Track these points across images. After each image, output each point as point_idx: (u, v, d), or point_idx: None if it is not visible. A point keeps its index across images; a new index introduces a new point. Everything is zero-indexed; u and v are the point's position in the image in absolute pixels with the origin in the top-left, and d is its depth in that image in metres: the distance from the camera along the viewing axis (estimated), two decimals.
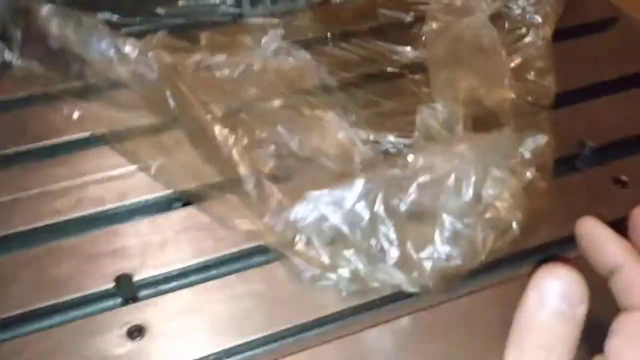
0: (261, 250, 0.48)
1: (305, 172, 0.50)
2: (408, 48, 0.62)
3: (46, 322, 0.44)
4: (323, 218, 0.42)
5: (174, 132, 0.55)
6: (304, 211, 0.42)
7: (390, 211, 0.40)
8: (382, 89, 0.60)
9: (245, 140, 0.52)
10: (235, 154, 0.51)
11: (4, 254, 0.47)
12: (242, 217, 0.49)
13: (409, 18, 0.65)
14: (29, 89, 0.57)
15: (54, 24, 0.56)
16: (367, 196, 0.40)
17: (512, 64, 0.59)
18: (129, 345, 0.41)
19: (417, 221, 0.41)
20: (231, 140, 0.51)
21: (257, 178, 0.49)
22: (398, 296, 0.44)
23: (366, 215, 0.41)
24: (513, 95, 0.56)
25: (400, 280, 0.42)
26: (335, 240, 0.44)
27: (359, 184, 0.40)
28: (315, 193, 0.41)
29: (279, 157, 0.52)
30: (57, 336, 0.42)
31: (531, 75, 0.59)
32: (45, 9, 0.56)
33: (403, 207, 0.40)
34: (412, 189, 0.40)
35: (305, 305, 0.45)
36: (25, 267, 0.45)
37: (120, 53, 0.54)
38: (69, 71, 0.56)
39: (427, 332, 0.43)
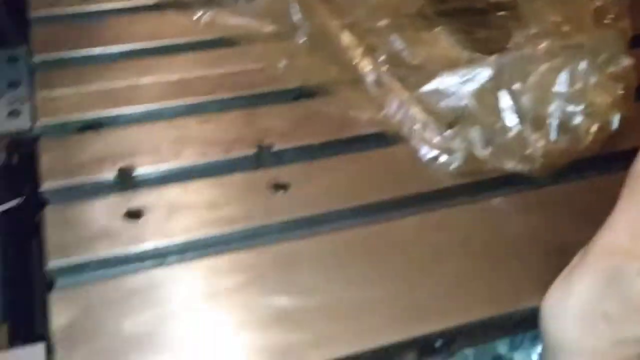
0: (380, 136, 0.55)
1: (418, 76, 0.57)
2: None
3: None
4: (447, 98, 0.49)
5: (294, 40, 0.62)
6: (428, 93, 0.49)
7: (511, 94, 0.47)
8: (474, 21, 0.67)
9: (363, 46, 0.59)
10: (357, 55, 0.58)
11: None
12: (363, 108, 0.56)
13: None
14: None
15: None
16: (493, 78, 0.47)
17: (592, 7, 0.66)
18: None
19: (532, 105, 0.48)
20: (353, 44, 0.58)
21: (378, 75, 0.56)
22: (508, 177, 0.51)
23: (489, 95, 0.48)
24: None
25: (513, 160, 0.49)
26: (454, 123, 0.51)
27: (488, 64, 0.47)
28: (442, 74, 0.48)
29: (392, 64, 0.59)
30: None
31: (608, 19, 0.66)
32: None
33: (523, 91, 0.47)
34: (534, 74, 0.47)
35: (420, 180, 0.52)
36: None
37: None
38: None
39: (529, 209, 0.50)
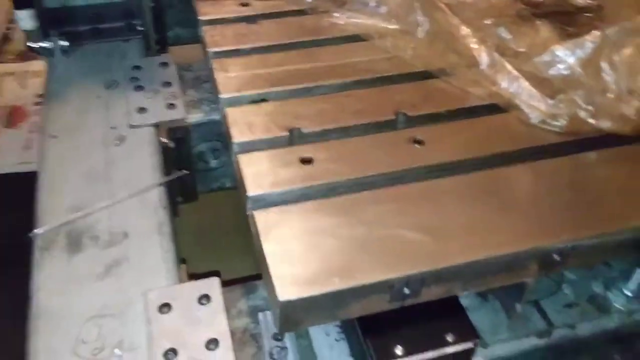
0: (494, 106, 0.68)
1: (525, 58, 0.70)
2: None
3: None
4: (556, 66, 0.61)
5: (416, 35, 0.76)
6: (539, 63, 0.62)
7: (611, 62, 0.60)
8: (564, 20, 0.79)
9: (477, 37, 0.72)
10: (473, 43, 0.71)
11: None
12: (479, 85, 0.69)
13: None
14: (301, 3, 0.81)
15: None
16: (597, 48, 0.60)
17: None
18: None
19: (629, 72, 0.60)
20: (469, 35, 0.72)
21: (491, 58, 0.69)
22: (606, 136, 0.63)
23: (592, 63, 0.60)
24: None
25: (610, 120, 0.61)
26: (560, 90, 0.63)
27: (593, 36, 0.59)
28: (556, 45, 0.61)
29: (501, 50, 0.72)
30: None
31: None
32: None
33: (621, 60, 0.59)
34: (632, 45, 0.59)
35: (529, 138, 0.64)
36: None
37: None
38: None
39: (621, 162, 0.62)
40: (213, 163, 0.85)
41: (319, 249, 0.53)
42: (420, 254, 0.53)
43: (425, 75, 0.72)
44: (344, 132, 0.65)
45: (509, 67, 0.68)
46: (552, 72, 0.63)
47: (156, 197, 0.68)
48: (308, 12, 0.81)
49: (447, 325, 0.55)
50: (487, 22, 0.77)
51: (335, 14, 0.79)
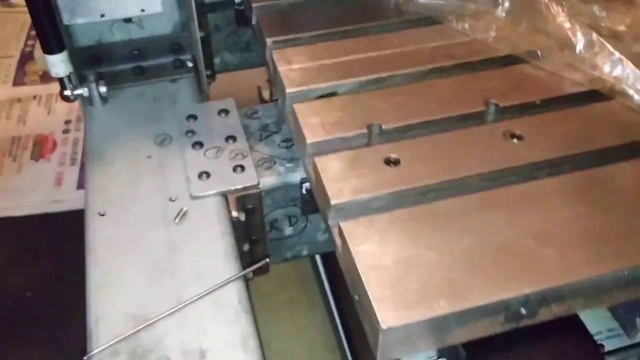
0: (595, 92, 0.60)
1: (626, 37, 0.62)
2: None
3: None
4: None
5: (497, 14, 0.68)
6: None
7: None
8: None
9: (569, 15, 0.64)
10: (564, 22, 0.63)
11: None
12: (575, 69, 0.62)
13: None
14: None
15: None
16: None
17: None
18: None
19: None
20: (559, 12, 0.64)
21: (588, 39, 0.61)
22: None
23: None
24: None
25: None
26: None
27: None
28: None
29: (597, 29, 0.64)
30: None
31: None
32: None
33: None
34: None
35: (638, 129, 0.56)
36: None
37: None
38: None
39: None
40: (288, 231, 0.71)
41: (421, 266, 0.46)
42: (540, 268, 0.45)
43: (512, 60, 0.64)
44: (429, 127, 0.58)
45: (610, 48, 0.60)
46: None
47: (235, 295, 0.55)
48: None
49: (567, 345, 0.48)
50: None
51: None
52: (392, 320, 0.43)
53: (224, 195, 0.63)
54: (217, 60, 0.85)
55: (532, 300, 0.45)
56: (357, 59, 0.65)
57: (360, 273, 0.45)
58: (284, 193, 0.66)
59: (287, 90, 0.61)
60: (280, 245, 0.71)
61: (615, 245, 0.47)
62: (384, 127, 0.57)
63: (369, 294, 0.44)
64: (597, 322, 0.61)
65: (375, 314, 0.43)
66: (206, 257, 0.57)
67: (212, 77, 0.83)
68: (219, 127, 0.69)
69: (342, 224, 0.49)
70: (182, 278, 0.55)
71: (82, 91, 0.72)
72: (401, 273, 0.46)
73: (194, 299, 0.53)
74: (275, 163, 0.66)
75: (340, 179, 0.52)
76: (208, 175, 0.64)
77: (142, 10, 0.68)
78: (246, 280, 0.60)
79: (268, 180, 0.65)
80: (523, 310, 0.46)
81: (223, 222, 0.60)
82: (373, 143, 0.57)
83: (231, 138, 0.68)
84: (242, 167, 0.65)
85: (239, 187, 0.63)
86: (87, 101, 0.73)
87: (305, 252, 0.72)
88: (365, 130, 0.57)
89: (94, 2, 0.67)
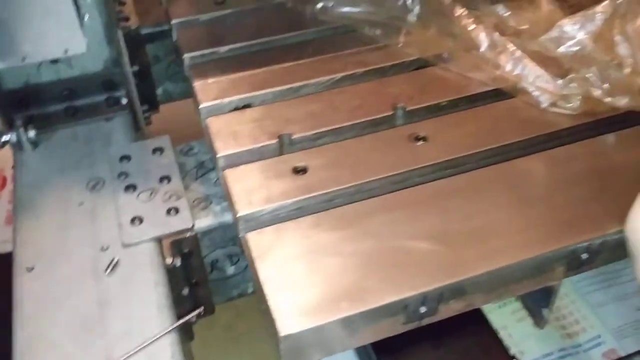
0: (498, 91, 0.62)
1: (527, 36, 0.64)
2: None
3: None
4: (565, 43, 0.56)
5: (407, 20, 0.69)
6: (547, 41, 0.56)
7: (625, 33, 0.54)
8: None
9: (473, 17, 0.66)
10: (469, 24, 0.65)
11: None
12: (480, 70, 0.64)
13: None
14: None
15: None
16: (608, 19, 0.54)
17: None
18: None
19: None
20: (464, 15, 0.66)
21: (491, 39, 0.63)
22: (623, 115, 0.57)
23: (604, 36, 0.54)
24: None
25: (627, 97, 0.55)
26: (571, 68, 0.58)
27: (603, 7, 0.54)
28: (564, 20, 0.55)
29: (501, 29, 0.66)
30: None
31: None
32: None
33: (636, 30, 0.54)
34: None
35: (540, 124, 0.58)
36: None
37: None
38: None
39: None
40: (230, 270, 0.67)
41: (322, 270, 0.48)
42: (436, 266, 0.47)
43: (421, 64, 0.66)
44: (339, 134, 0.59)
45: (511, 47, 0.62)
46: (561, 49, 0.57)
47: (167, 350, 0.51)
48: (288, 4, 0.74)
49: (472, 343, 0.50)
50: None
51: (319, 4, 0.73)
52: (291, 328, 0.44)
53: (159, 240, 0.60)
54: (159, 91, 0.83)
55: (430, 298, 0.47)
56: (272, 70, 0.66)
57: (262, 283, 0.46)
58: (222, 233, 0.63)
59: (201, 105, 0.62)
60: (224, 285, 0.68)
61: (508, 239, 0.49)
62: (294, 136, 0.58)
63: (269, 302, 0.45)
64: None
65: (274, 322, 0.44)
66: (138, 310, 0.54)
67: (154, 109, 0.82)
68: (153, 167, 0.65)
69: (247, 235, 0.50)
70: (113, 335, 0.52)
71: (9, 137, 0.68)
72: (303, 280, 0.47)
73: (123, 358, 0.50)
74: (211, 202, 0.63)
75: (248, 190, 0.53)
76: (141, 220, 0.60)
77: (66, 52, 0.64)
78: (190, 325, 0.59)
79: (204, 222, 0.61)
80: (423, 309, 0.47)
81: (156, 270, 0.57)
82: (284, 153, 0.58)
83: (166, 178, 0.64)
84: (177, 210, 0.61)
85: (173, 230, 0.59)
86: (17, 147, 0.69)
87: (250, 290, 0.69)
88: (277, 141, 0.58)
89: (14, 45, 0.63)
